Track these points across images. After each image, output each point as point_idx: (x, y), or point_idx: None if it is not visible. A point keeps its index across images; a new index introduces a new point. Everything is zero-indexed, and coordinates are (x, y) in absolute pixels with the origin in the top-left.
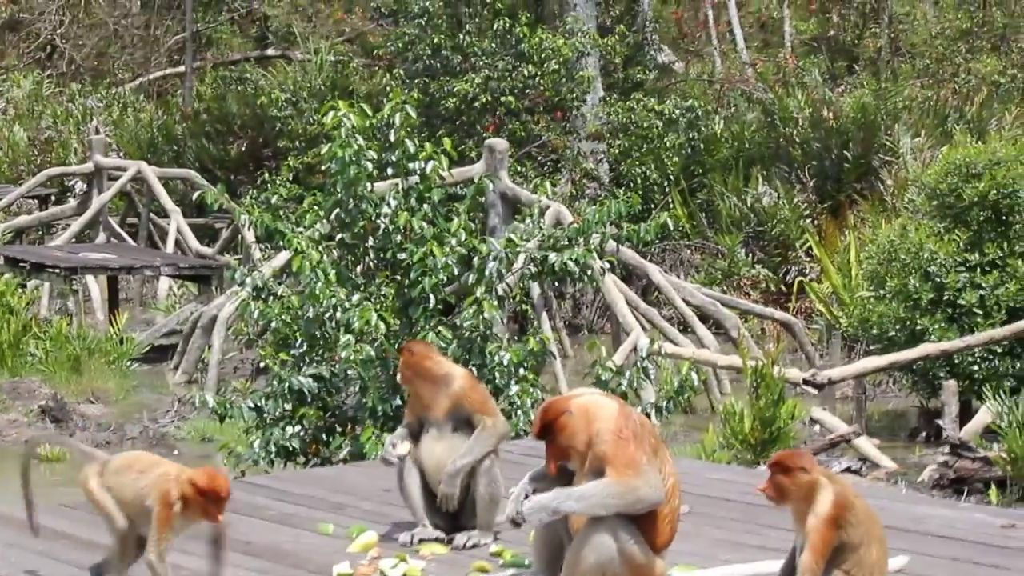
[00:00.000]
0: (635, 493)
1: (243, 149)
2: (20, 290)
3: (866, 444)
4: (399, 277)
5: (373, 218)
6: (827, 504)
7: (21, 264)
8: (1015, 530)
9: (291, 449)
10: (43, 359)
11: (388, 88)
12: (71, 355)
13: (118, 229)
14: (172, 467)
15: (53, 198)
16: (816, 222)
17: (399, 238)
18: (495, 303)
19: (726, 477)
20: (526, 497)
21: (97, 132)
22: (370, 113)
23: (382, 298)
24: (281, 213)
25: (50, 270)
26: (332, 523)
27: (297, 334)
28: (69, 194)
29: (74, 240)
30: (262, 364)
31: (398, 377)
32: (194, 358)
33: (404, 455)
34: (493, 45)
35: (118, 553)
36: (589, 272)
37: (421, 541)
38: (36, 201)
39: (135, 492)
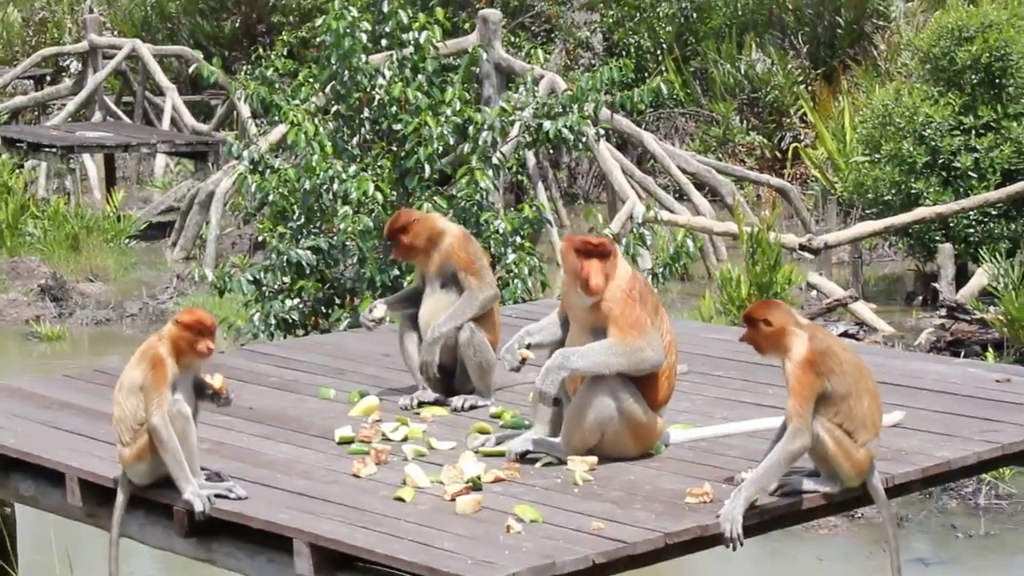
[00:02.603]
0: (639, 354)
1: (237, 26)
2: (17, 170)
3: (863, 308)
4: (395, 148)
5: (368, 90)
6: (801, 350)
7: (18, 144)
8: (1010, 385)
9: (291, 321)
10: (41, 238)
11: None
12: (69, 234)
13: (114, 108)
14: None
15: (48, 78)
16: (810, 88)
17: (394, 109)
18: (489, 172)
19: (723, 337)
20: (525, 353)
21: (91, 11)
22: None
23: (378, 169)
24: (276, 87)
25: (47, 149)
26: (333, 388)
27: (294, 207)
28: (64, 74)
29: (70, 119)
30: (260, 239)
31: (393, 252)
32: (192, 234)
33: (380, 318)
34: None
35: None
36: (584, 139)
37: (421, 404)
38: (31, 81)
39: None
